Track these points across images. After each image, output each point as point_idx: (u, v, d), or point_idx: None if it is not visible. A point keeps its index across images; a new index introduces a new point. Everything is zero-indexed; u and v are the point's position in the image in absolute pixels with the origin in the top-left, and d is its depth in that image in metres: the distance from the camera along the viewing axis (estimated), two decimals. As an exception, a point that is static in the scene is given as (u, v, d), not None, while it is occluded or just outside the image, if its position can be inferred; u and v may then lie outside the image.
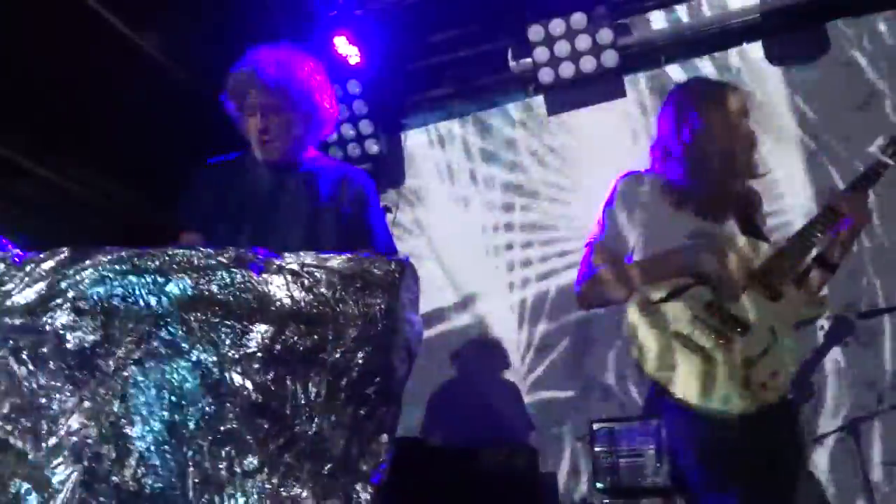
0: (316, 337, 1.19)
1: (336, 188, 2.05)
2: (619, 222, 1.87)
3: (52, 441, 1.12)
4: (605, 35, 3.82)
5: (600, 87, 4.10)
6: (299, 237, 1.94)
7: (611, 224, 1.88)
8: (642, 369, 1.72)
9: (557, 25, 3.84)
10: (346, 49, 3.81)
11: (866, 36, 3.84)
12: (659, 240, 1.83)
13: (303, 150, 2.09)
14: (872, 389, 3.43)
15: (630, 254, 1.87)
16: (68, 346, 1.18)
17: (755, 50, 3.95)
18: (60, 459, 1.11)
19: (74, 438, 1.12)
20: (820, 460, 3.38)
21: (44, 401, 1.15)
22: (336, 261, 1.26)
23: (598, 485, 3.26)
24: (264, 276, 1.23)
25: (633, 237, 1.86)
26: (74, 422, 1.13)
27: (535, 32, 3.86)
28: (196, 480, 1.10)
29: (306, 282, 1.23)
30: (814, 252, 1.83)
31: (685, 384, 1.65)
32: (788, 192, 3.82)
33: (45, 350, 1.18)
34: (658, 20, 4.14)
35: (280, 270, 1.24)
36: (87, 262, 1.24)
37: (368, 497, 1.13)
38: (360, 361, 1.19)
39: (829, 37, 3.72)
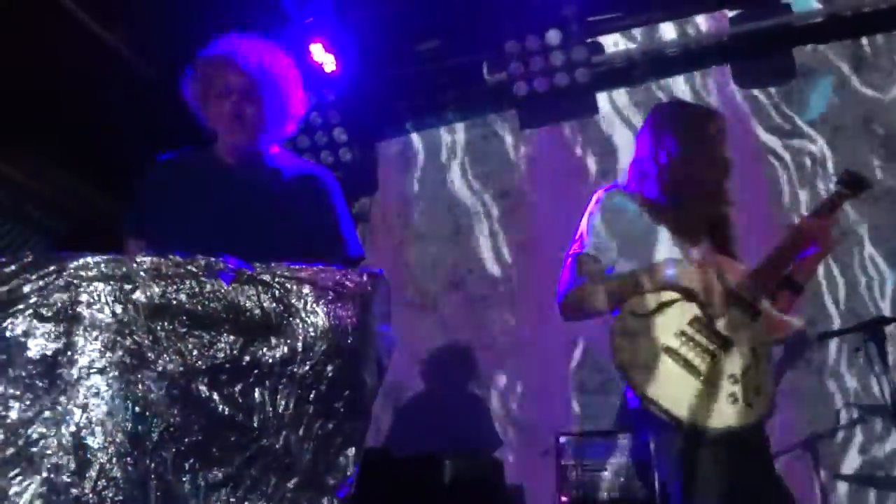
0: (285, 349, 1.18)
1: (301, 187, 1.96)
2: (600, 234, 1.87)
3: (10, 451, 1.09)
4: (579, 52, 3.88)
5: (573, 103, 4.17)
6: (261, 236, 1.82)
7: (593, 236, 1.88)
8: (627, 381, 1.69)
9: (533, 41, 3.89)
10: (322, 56, 3.80)
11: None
12: (638, 253, 1.84)
13: (269, 144, 2.02)
14: (830, 406, 3.49)
15: (611, 266, 1.87)
16: (29, 353, 1.15)
17: (724, 72, 4.05)
18: (18, 470, 1.08)
19: (33, 449, 1.09)
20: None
21: (1, 410, 1.12)
22: (308, 272, 1.25)
23: (563, 498, 3.29)
24: (234, 285, 1.21)
25: (614, 250, 1.86)
26: (34, 432, 1.10)
27: (510, 47, 3.91)
28: (158, 493, 1.08)
29: (277, 292, 1.22)
30: (783, 273, 1.84)
31: (672, 397, 1.63)
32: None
33: (4, 357, 1.14)
34: (630, 40, 4.22)
35: (250, 280, 1.22)
36: (52, 267, 1.20)
37: (334, 511, 1.12)
38: (330, 374, 1.18)
39: (795, 62, 3.84)
